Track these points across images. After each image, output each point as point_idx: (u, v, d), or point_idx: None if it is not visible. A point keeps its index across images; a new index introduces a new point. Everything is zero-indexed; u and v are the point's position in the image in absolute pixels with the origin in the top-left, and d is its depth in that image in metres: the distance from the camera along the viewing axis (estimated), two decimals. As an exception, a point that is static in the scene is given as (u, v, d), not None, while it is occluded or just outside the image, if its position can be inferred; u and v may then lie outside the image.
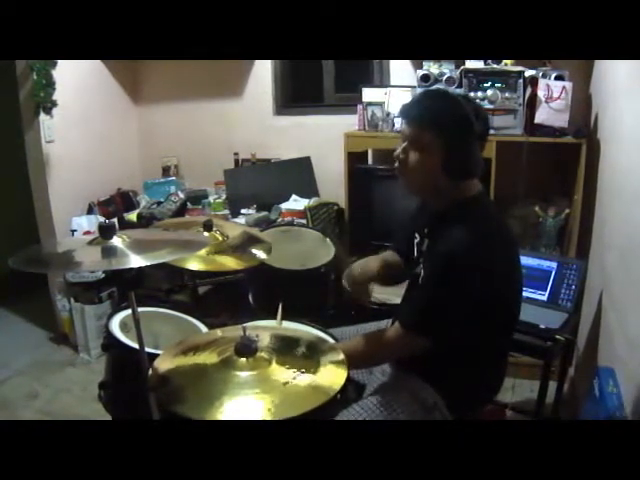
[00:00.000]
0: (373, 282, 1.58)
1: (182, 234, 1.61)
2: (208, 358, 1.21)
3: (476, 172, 1.29)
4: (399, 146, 1.29)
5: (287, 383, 1.11)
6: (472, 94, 2.35)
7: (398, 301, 1.56)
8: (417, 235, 1.43)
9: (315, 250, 2.20)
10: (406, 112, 1.31)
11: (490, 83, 2.34)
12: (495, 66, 2.36)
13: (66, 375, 2.71)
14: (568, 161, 2.30)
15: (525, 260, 2.02)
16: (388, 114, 2.58)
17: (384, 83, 2.85)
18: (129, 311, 1.38)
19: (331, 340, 1.46)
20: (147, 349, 1.20)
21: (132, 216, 2.95)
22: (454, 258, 1.20)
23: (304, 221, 2.66)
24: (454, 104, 1.24)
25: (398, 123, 2.47)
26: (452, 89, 2.39)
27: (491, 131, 2.33)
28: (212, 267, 1.67)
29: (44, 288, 3.03)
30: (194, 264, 1.64)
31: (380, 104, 2.59)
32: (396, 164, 1.31)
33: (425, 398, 1.31)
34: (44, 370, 2.74)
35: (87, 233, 2.76)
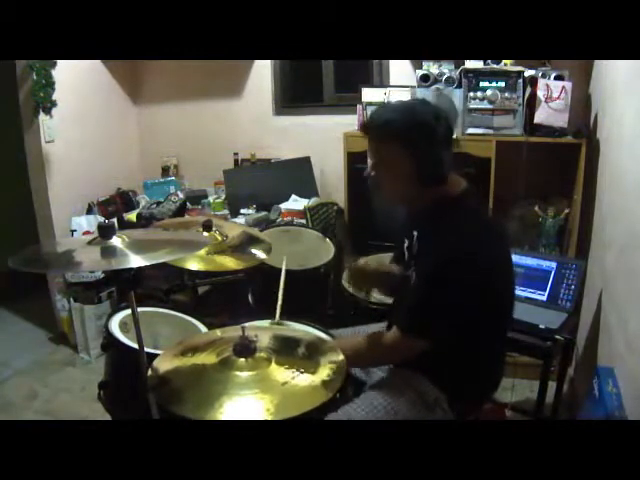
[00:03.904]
0: (373, 282, 1.59)
1: (182, 234, 1.62)
2: (207, 358, 1.21)
3: (446, 175, 1.27)
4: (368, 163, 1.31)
5: (286, 383, 1.11)
6: (472, 94, 2.36)
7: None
8: (406, 240, 1.44)
9: (315, 250, 2.20)
10: (367, 129, 1.31)
11: (490, 83, 2.34)
12: (495, 66, 2.36)
13: (66, 375, 2.71)
14: (568, 161, 2.30)
15: (524, 260, 2.03)
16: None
17: (384, 83, 2.85)
18: (129, 311, 1.38)
19: (330, 340, 1.46)
20: (147, 349, 1.20)
21: (132, 216, 2.95)
22: (442, 260, 1.20)
23: (304, 221, 2.66)
24: (412, 112, 1.24)
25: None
26: (451, 89, 2.39)
27: (491, 131, 2.35)
28: (212, 267, 1.67)
29: (44, 288, 3.03)
30: (194, 264, 1.64)
31: (380, 104, 2.59)
32: (369, 182, 1.32)
33: (426, 394, 1.32)
34: (44, 370, 2.74)
35: (87, 233, 2.76)
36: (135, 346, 1.22)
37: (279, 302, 1.63)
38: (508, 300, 1.36)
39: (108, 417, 1.50)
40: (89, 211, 3.03)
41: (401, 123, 1.24)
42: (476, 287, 1.20)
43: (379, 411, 1.26)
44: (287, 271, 1.79)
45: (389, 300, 1.70)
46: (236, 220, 2.78)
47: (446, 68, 2.47)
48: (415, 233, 1.38)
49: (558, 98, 2.20)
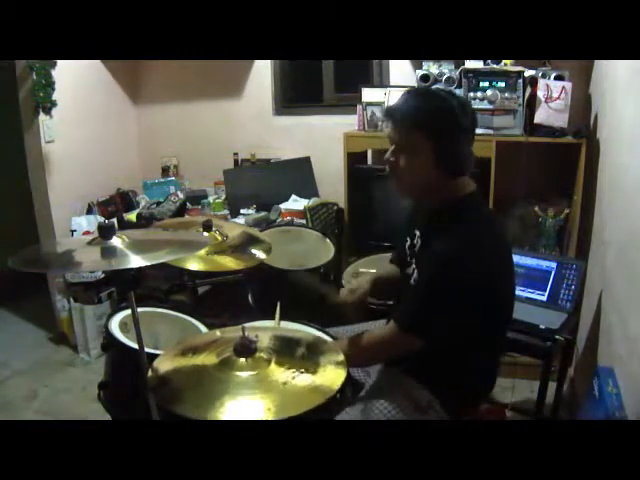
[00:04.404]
0: (366, 299, 1.58)
1: (182, 234, 1.61)
2: (207, 358, 1.20)
3: (468, 167, 1.28)
4: (389, 150, 1.30)
5: (286, 383, 1.11)
6: (472, 94, 2.36)
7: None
8: (408, 238, 1.43)
9: (315, 250, 2.20)
10: (391, 114, 1.30)
11: (490, 83, 2.34)
12: (495, 66, 2.36)
13: (66, 375, 2.71)
14: (568, 161, 2.30)
15: (525, 260, 2.03)
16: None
17: (384, 83, 2.85)
18: (129, 311, 1.38)
19: (330, 340, 1.46)
20: (147, 349, 1.20)
21: (132, 216, 2.95)
22: (447, 259, 1.20)
23: (304, 221, 2.66)
24: (438, 100, 1.23)
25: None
26: (451, 89, 2.39)
27: (491, 131, 2.35)
28: (212, 267, 1.67)
29: (44, 288, 3.03)
30: (194, 264, 1.63)
31: (380, 104, 2.59)
32: (387, 168, 1.32)
33: (419, 398, 1.31)
34: (44, 370, 2.74)
35: (87, 233, 2.76)
36: (135, 346, 1.22)
37: (278, 308, 1.62)
38: (508, 304, 1.35)
39: (108, 417, 1.50)
40: (89, 211, 3.03)
41: (426, 111, 1.23)
42: (477, 289, 1.19)
43: (374, 414, 1.26)
44: (287, 271, 1.79)
45: (389, 300, 1.70)
46: (236, 220, 2.78)
47: (446, 68, 2.47)
48: (417, 232, 1.38)
49: (558, 98, 2.20)
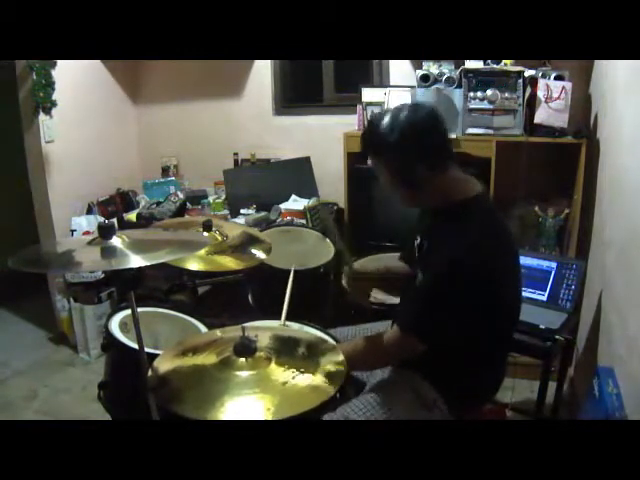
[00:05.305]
0: (372, 283, 1.59)
1: (182, 234, 1.61)
2: (207, 358, 1.21)
3: (440, 169, 1.28)
4: None
5: (286, 383, 1.11)
6: (472, 94, 2.36)
7: (397, 301, 1.56)
8: (418, 237, 1.43)
9: (315, 250, 2.20)
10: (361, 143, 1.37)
11: (490, 83, 2.34)
12: (495, 66, 2.36)
13: (65, 375, 2.71)
14: (568, 161, 2.30)
15: (525, 260, 2.02)
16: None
17: (384, 83, 2.85)
18: (129, 311, 1.38)
19: (331, 340, 1.46)
20: (147, 349, 1.20)
21: (132, 216, 2.95)
22: (453, 262, 1.19)
23: (304, 221, 2.66)
24: (387, 124, 1.24)
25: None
26: (451, 89, 2.39)
27: (491, 131, 2.35)
28: (212, 267, 1.67)
29: (44, 288, 3.03)
30: (194, 264, 1.63)
31: (380, 104, 2.59)
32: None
33: (425, 396, 1.31)
34: (43, 370, 2.74)
35: (86, 233, 2.76)
36: (135, 346, 1.22)
37: (285, 306, 1.62)
38: (513, 307, 1.35)
39: (108, 417, 1.50)
40: (89, 211, 3.03)
41: (375, 139, 1.29)
42: (478, 293, 1.19)
43: (377, 411, 1.26)
44: (287, 271, 1.79)
45: (390, 300, 1.70)
46: (236, 220, 2.78)
47: (446, 68, 2.47)
48: (427, 232, 1.38)
49: (558, 98, 2.20)
